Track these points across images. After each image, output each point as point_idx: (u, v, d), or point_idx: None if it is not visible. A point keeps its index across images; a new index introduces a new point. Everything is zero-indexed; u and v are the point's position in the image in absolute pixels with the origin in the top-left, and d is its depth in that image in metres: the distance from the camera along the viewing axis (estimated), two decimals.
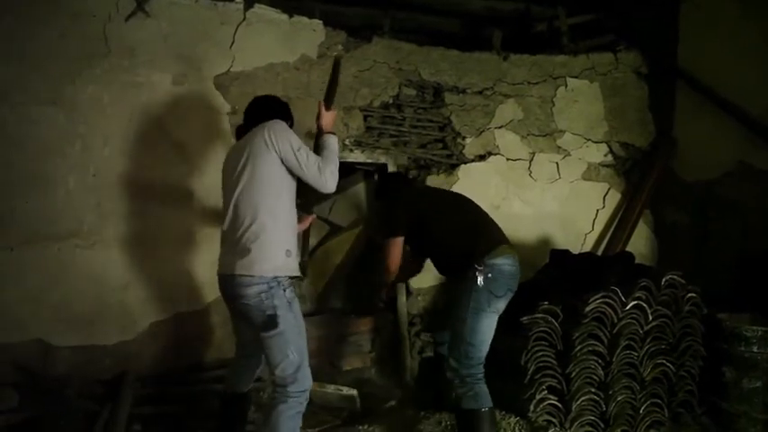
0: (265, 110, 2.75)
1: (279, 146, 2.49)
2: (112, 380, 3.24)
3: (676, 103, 4.76)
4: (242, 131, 2.75)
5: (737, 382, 3.36)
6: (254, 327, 2.49)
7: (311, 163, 2.54)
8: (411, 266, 3.56)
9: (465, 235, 2.96)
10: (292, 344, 2.45)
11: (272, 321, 2.41)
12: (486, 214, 3.16)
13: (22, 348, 3.15)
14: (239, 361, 2.80)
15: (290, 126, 2.80)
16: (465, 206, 3.18)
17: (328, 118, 2.81)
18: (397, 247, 3.12)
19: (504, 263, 2.86)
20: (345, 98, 3.99)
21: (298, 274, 2.58)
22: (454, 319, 2.87)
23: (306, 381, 2.48)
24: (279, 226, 2.49)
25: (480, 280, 2.78)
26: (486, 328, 2.81)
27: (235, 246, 2.48)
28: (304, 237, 3.41)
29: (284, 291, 2.45)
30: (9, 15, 3.17)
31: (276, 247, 2.46)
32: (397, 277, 3.41)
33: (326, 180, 2.58)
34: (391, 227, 3.13)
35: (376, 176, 4.30)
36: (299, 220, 3.23)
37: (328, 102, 2.85)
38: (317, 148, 2.73)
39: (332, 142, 2.71)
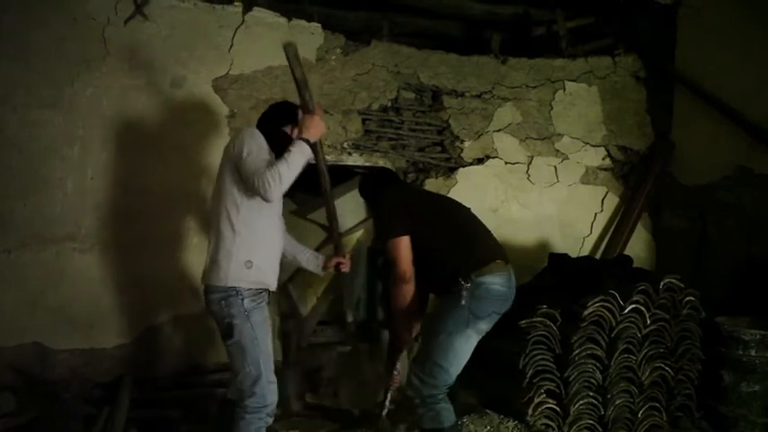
0: (271, 118, 2.67)
1: (235, 153, 2.42)
2: (110, 383, 3.24)
3: (674, 107, 4.77)
4: None
5: (736, 386, 3.36)
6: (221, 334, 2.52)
7: (251, 171, 2.34)
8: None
9: (456, 246, 2.68)
10: (249, 355, 2.40)
11: (228, 330, 2.41)
12: (482, 224, 2.90)
13: (20, 351, 3.14)
14: None
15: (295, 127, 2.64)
16: (459, 214, 2.91)
17: (306, 121, 2.48)
18: (405, 247, 2.68)
19: (494, 282, 2.60)
20: (344, 102, 3.99)
21: (263, 286, 2.49)
22: (426, 332, 2.67)
23: (267, 396, 2.42)
24: (240, 236, 2.42)
25: (464, 297, 2.53)
26: (460, 350, 2.57)
27: (207, 255, 2.55)
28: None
29: (242, 300, 2.40)
30: (8, 17, 3.17)
31: (233, 258, 2.41)
32: (401, 337, 2.91)
33: (260, 187, 2.32)
34: (393, 225, 2.73)
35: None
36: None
37: (303, 103, 2.53)
38: None
39: (295, 149, 2.40)
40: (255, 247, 2.47)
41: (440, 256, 2.70)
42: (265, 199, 2.38)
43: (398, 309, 2.79)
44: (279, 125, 2.62)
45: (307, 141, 2.43)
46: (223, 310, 2.41)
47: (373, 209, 3.10)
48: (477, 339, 2.62)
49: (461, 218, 2.89)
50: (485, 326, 2.63)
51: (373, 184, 3.16)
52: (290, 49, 2.46)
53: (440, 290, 2.76)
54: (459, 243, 2.71)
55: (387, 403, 3.07)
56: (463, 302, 2.54)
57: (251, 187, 2.37)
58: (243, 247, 2.43)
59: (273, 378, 2.48)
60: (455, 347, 2.56)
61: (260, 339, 2.43)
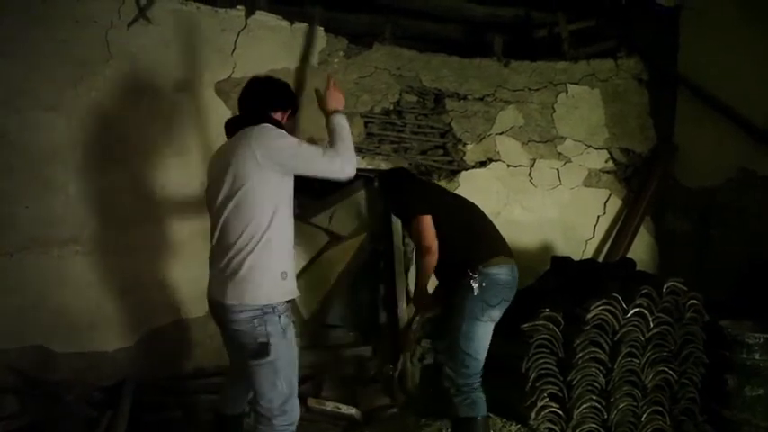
0: (262, 101, 2.51)
1: (273, 158, 2.28)
2: (112, 386, 3.23)
3: (677, 110, 4.77)
4: (233, 125, 2.50)
5: (740, 390, 3.34)
6: (243, 353, 2.32)
7: (317, 155, 2.32)
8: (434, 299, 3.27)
9: (466, 240, 2.92)
10: (282, 374, 2.29)
11: (263, 349, 2.24)
12: (491, 222, 3.11)
13: (22, 354, 3.14)
14: (234, 381, 2.66)
15: (294, 112, 2.67)
16: (472, 210, 3.13)
17: (333, 96, 2.55)
18: (428, 224, 2.89)
19: (500, 272, 2.82)
20: (346, 105, 3.94)
21: (295, 296, 2.41)
22: (450, 327, 2.85)
23: (294, 413, 2.36)
24: (273, 248, 2.29)
25: (475, 288, 2.75)
26: (482, 337, 2.80)
27: (224, 270, 2.30)
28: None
29: (279, 317, 2.27)
30: (9, 19, 3.18)
31: (270, 272, 2.28)
32: (421, 306, 3.26)
33: (342, 164, 2.34)
34: (417, 204, 2.96)
35: (376, 183, 4.30)
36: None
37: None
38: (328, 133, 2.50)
39: (341, 121, 2.46)
40: (286, 254, 2.37)
41: (452, 247, 2.91)
42: (342, 177, 2.39)
43: (424, 277, 3.02)
44: (270, 111, 2.50)
45: (341, 112, 2.50)
46: (256, 328, 2.24)
47: (393, 194, 3.23)
48: (492, 326, 2.84)
49: (473, 215, 3.11)
50: (497, 313, 2.83)
51: (393, 176, 3.35)
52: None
53: (449, 280, 2.95)
54: (470, 237, 2.95)
55: (399, 364, 3.58)
56: (475, 293, 2.76)
57: (323, 172, 2.35)
58: (278, 258, 2.31)
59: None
60: (478, 335, 2.78)
61: (294, 356, 2.36)
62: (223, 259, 2.31)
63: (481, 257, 2.83)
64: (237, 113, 2.64)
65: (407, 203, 3.05)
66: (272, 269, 2.29)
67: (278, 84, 2.59)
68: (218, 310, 2.34)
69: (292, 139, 2.35)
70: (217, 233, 2.37)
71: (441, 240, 2.91)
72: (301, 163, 2.33)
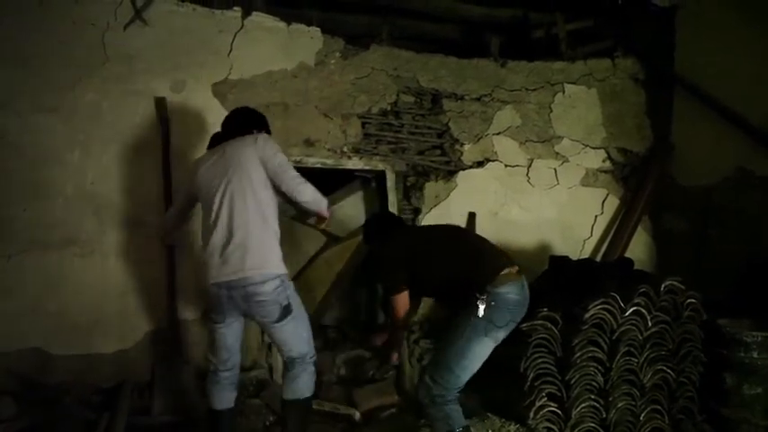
0: (248, 121, 2.93)
1: (268, 154, 2.72)
2: (111, 388, 3.24)
3: (674, 109, 4.77)
4: (218, 140, 2.91)
5: (738, 389, 3.34)
6: (266, 320, 2.70)
7: (292, 169, 2.77)
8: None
9: (465, 266, 2.80)
10: (304, 323, 2.80)
11: (287, 310, 2.69)
12: (485, 240, 3.05)
13: (21, 356, 3.15)
14: (221, 375, 2.80)
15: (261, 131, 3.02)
16: (461, 238, 3.08)
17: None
18: (403, 301, 2.96)
19: (510, 291, 2.68)
20: (343, 105, 4.00)
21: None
22: (445, 339, 2.74)
23: (313, 347, 2.86)
24: (275, 230, 2.74)
25: (482, 309, 2.61)
26: (475, 356, 2.66)
27: (239, 248, 2.63)
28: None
29: (289, 281, 2.76)
30: (9, 20, 3.19)
31: (278, 247, 2.72)
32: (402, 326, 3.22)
33: (306, 188, 2.76)
34: (392, 283, 2.97)
35: (373, 183, 4.30)
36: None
37: None
38: None
39: (324, 202, 2.89)
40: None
41: (453, 279, 2.81)
42: (301, 198, 2.77)
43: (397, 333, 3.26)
44: (254, 129, 2.91)
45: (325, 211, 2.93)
46: (280, 294, 2.66)
47: (376, 258, 3.20)
48: (492, 347, 2.70)
49: (465, 240, 3.07)
50: (502, 334, 2.70)
51: (376, 232, 3.27)
52: None
53: (458, 305, 2.79)
54: (468, 262, 2.83)
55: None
56: (481, 314, 2.62)
57: (292, 183, 2.73)
58: (278, 238, 2.76)
59: None
60: (471, 354, 2.65)
61: (304, 308, 2.84)
62: (235, 239, 2.64)
63: (486, 277, 2.69)
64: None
65: (383, 278, 3.16)
66: (279, 245, 2.74)
67: (257, 112, 3.03)
68: (236, 288, 2.63)
69: (282, 153, 2.81)
70: (222, 223, 2.67)
71: (441, 279, 2.86)
72: (282, 164, 2.75)
